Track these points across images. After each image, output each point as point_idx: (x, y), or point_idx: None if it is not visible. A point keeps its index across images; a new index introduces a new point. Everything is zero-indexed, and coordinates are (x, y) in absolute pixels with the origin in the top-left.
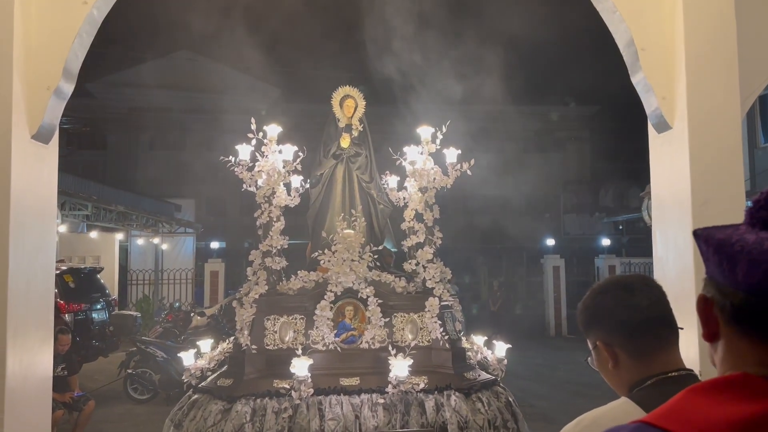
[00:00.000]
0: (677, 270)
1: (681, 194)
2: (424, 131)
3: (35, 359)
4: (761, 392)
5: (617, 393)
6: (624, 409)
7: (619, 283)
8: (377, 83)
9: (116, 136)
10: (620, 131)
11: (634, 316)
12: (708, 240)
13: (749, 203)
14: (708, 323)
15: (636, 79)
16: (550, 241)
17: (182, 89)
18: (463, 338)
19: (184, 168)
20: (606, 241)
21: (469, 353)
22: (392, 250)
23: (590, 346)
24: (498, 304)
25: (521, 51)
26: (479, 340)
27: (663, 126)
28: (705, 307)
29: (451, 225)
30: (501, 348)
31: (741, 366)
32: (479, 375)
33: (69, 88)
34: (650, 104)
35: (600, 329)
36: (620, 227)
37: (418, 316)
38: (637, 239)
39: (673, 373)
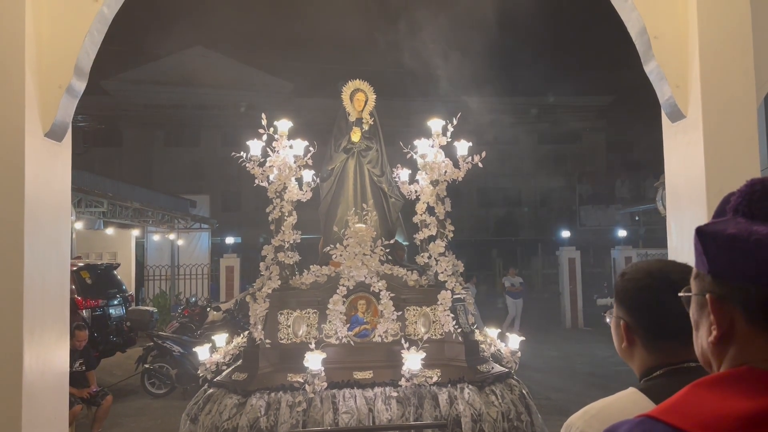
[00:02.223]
0: (692, 261)
1: (695, 184)
2: (435, 124)
3: (52, 354)
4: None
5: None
6: (632, 399)
7: (653, 267)
8: (388, 76)
9: (132, 133)
10: (636, 121)
11: (655, 299)
12: (717, 236)
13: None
14: (721, 324)
15: (649, 68)
16: (566, 233)
17: (196, 86)
18: (487, 330)
19: (199, 164)
20: (622, 232)
21: (483, 346)
22: (404, 243)
23: (614, 313)
24: None
25: (535, 42)
26: (493, 332)
27: (677, 115)
28: (719, 307)
29: (466, 217)
30: (515, 340)
31: (749, 362)
32: (493, 368)
33: (81, 86)
34: (663, 93)
35: (623, 308)
36: (637, 218)
37: (431, 310)
38: (654, 230)
39: (684, 365)
